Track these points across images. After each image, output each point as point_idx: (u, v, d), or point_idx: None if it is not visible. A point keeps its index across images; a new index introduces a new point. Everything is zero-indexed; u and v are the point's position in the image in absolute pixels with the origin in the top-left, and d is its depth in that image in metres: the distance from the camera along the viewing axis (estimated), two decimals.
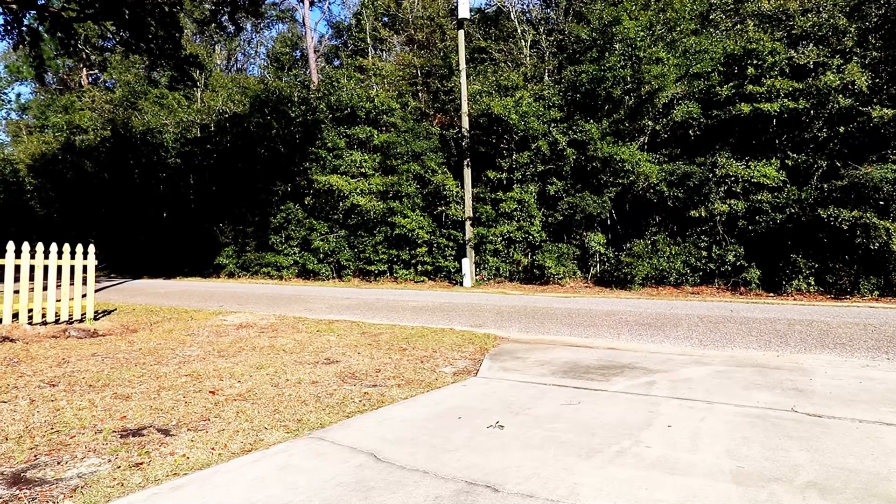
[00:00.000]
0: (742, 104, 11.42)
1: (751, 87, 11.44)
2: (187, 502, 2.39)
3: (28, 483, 2.61)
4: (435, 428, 3.27)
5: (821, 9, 11.67)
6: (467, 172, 14.59)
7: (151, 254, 21.25)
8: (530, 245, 14.13)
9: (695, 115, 12.16)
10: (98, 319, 7.96)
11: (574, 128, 13.44)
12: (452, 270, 14.88)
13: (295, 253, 17.18)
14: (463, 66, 14.92)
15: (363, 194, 15.72)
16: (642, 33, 12.59)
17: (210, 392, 4.12)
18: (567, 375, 4.52)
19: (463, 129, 14.82)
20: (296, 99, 18.53)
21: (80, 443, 3.11)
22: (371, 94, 17.08)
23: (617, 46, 12.93)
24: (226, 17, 16.00)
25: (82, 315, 7.66)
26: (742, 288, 11.38)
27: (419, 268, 15.42)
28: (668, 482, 2.49)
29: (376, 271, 15.80)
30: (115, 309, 9.35)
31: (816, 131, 11.19)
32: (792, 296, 10.64)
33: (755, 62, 11.60)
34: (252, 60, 32.07)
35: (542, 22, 17.70)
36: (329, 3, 28.93)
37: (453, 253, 15.00)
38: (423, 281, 15.24)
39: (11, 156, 31.56)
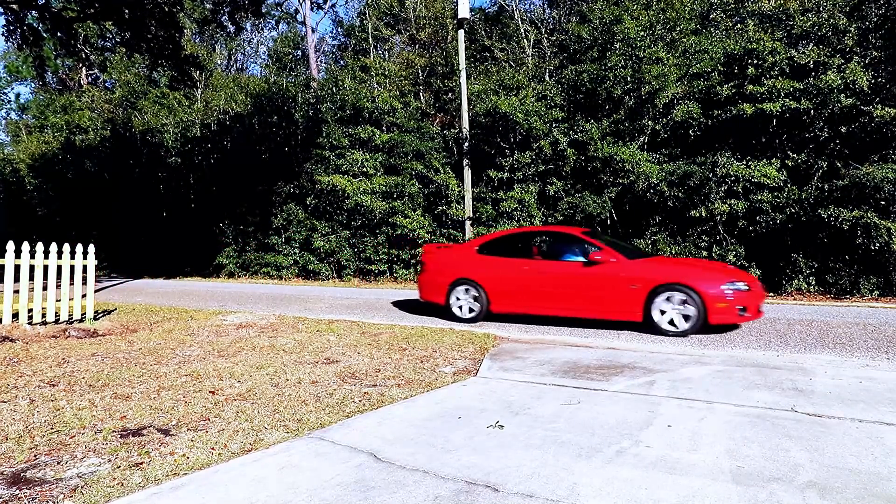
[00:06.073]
0: (744, 104, 11.41)
1: (751, 87, 11.44)
2: (187, 502, 2.39)
3: (28, 483, 2.61)
4: (435, 428, 3.27)
5: (821, 8, 11.66)
6: (467, 172, 14.59)
7: (152, 254, 21.24)
8: None
9: (695, 115, 12.15)
10: (98, 319, 7.97)
11: (575, 128, 13.45)
12: None
13: (295, 253, 17.19)
14: (463, 65, 14.91)
15: (366, 194, 15.72)
16: (643, 33, 12.59)
17: (210, 392, 4.12)
18: (567, 375, 4.52)
19: (464, 129, 14.82)
20: (299, 99, 18.50)
21: (80, 443, 3.11)
22: (374, 94, 17.08)
23: (618, 46, 12.93)
24: (226, 16, 15.99)
25: (82, 315, 7.67)
26: None
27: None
28: (668, 482, 2.49)
29: (376, 271, 15.80)
30: (115, 309, 9.35)
31: (818, 131, 11.18)
32: (792, 295, 10.64)
33: (755, 62, 11.60)
34: (252, 60, 32.08)
35: (543, 22, 17.70)
36: (332, 5, 28.83)
37: None
38: None
39: (11, 156, 31.53)
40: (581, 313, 6.93)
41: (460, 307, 7.75)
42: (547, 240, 8.13)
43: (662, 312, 6.42)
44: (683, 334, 6.32)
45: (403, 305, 9.68)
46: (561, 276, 7.05)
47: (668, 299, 6.39)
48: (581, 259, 7.08)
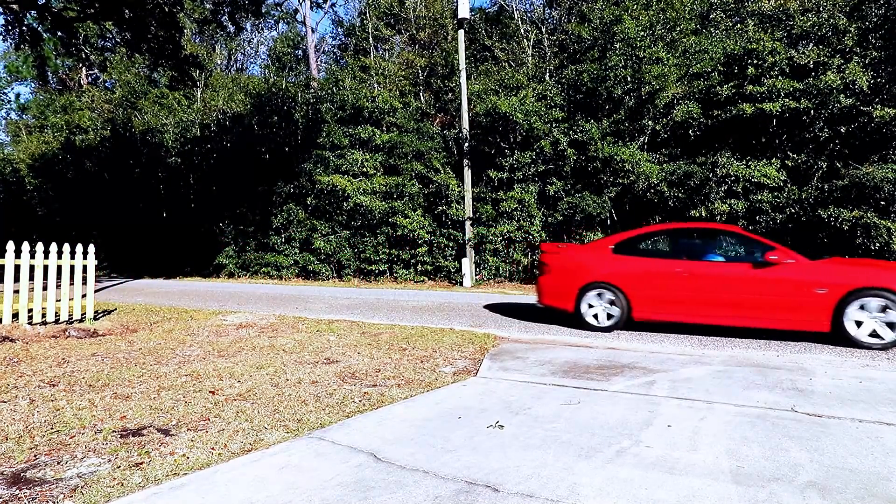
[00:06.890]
0: (744, 104, 11.42)
1: (751, 87, 11.45)
2: (187, 502, 2.39)
3: (28, 483, 2.61)
4: (435, 428, 3.27)
5: (821, 8, 11.67)
6: (467, 172, 14.60)
7: (152, 254, 21.25)
8: (530, 245, 14.15)
9: (695, 115, 12.16)
10: (98, 319, 7.96)
11: (575, 128, 13.46)
12: (452, 270, 14.89)
13: (295, 253, 17.19)
14: (463, 65, 14.92)
15: (366, 194, 15.73)
16: (643, 33, 12.60)
17: (210, 392, 4.12)
18: (567, 375, 4.52)
19: (464, 129, 14.84)
20: (299, 99, 18.51)
21: (80, 443, 3.11)
22: (374, 94, 17.09)
23: (618, 46, 12.94)
24: (226, 16, 15.99)
25: (82, 315, 7.67)
26: None
27: (419, 268, 15.43)
28: (668, 482, 2.49)
29: (376, 271, 15.80)
30: (115, 309, 9.35)
31: (817, 131, 11.19)
32: None
33: (755, 62, 11.61)
34: (252, 60, 32.08)
35: (544, 22, 17.71)
36: (332, 4, 28.84)
37: (453, 253, 15.02)
38: (423, 281, 15.24)
39: (11, 156, 31.53)
40: (751, 322, 6.10)
41: (594, 313, 6.81)
42: (702, 238, 7.06)
43: (858, 322, 5.58)
44: (885, 348, 5.48)
45: (403, 305, 9.69)
46: (726, 280, 6.16)
47: (864, 307, 5.55)
48: (749, 260, 6.26)
